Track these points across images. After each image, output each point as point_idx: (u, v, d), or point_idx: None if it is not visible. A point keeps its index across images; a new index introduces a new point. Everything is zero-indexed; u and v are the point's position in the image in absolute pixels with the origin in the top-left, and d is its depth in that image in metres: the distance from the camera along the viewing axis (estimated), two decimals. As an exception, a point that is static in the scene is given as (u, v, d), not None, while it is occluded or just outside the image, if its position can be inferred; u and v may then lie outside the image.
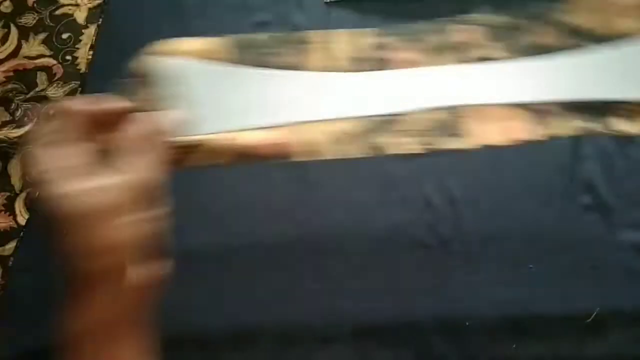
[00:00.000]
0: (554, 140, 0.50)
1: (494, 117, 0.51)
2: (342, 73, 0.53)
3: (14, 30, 0.82)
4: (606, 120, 0.51)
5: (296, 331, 0.63)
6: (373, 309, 0.64)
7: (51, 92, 0.77)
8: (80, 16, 0.82)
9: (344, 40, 0.53)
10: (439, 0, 0.83)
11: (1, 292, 0.66)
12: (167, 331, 0.64)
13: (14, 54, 0.80)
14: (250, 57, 0.52)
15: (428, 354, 0.62)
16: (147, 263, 0.41)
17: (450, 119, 0.52)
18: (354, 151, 0.50)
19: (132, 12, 0.85)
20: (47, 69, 0.78)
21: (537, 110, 0.51)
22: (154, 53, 0.53)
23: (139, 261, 0.40)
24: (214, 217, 0.69)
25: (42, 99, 0.76)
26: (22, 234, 0.69)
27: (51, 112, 0.40)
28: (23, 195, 0.70)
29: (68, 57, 0.79)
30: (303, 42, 0.53)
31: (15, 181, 0.71)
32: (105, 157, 0.40)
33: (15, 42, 0.81)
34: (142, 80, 0.51)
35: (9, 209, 0.70)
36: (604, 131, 0.50)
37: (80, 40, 0.81)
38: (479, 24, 0.57)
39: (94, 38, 0.82)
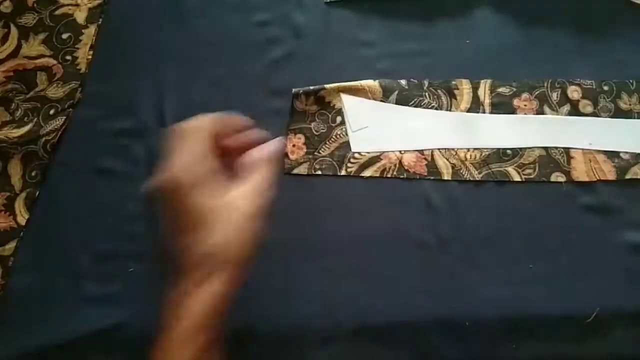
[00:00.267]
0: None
1: (588, 160, 0.70)
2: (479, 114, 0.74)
3: (14, 30, 0.81)
4: None
5: (296, 331, 0.63)
6: (373, 309, 0.64)
7: (51, 92, 0.77)
8: (80, 16, 0.82)
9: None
10: (439, 1, 0.83)
11: (1, 292, 0.66)
12: (167, 331, 0.65)
13: (14, 54, 0.80)
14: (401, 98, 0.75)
15: (428, 354, 0.62)
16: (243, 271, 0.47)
17: (558, 158, 0.71)
18: (473, 175, 0.70)
19: (132, 12, 0.85)
20: (47, 69, 0.78)
21: (620, 157, 0.70)
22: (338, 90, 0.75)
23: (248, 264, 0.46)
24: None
25: (42, 99, 0.76)
26: (22, 234, 0.69)
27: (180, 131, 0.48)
28: (23, 195, 0.70)
29: (68, 57, 0.79)
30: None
31: (15, 181, 0.71)
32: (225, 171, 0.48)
33: (15, 42, 0.81)
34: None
35: (9, 209, 0.70)
36: None
37: (80, 40, 0.80)
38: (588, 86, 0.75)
39: (94, 38, 0.82)
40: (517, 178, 0.70)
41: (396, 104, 0.75)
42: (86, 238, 0.69)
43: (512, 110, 0.74)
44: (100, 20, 0.84)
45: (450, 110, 0.74)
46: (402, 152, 0.72)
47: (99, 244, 0.68)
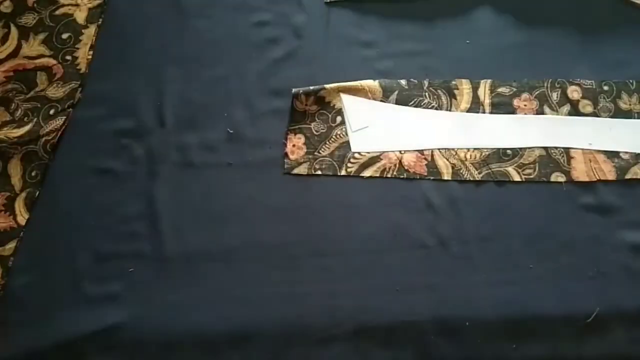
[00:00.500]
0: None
1: (588, 160, 0.70)
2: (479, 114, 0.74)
3: (14, 30, 0.81)
4: None
5: (296, 331, 0.63)
6: (373, 309, 0.64)
7: (51, 92, 0.77)
8: (80, 16, 0.82)
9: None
10: (439, 1, 0.83)
11: (1, 292, 0.66)
12: (167, 331, 0.65)
13: (14, 54, 0.80)
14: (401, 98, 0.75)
15: (428, 354, 0.62)
16: None
17: (558, 158, 0.71)
18: (473, 175, 0.70)
19: (132, 12, 0.85)
20: (47, 69, 0.78)
21: (620, 157, 0.70)
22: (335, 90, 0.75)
23: None
24: (214, 218, 0.69)
25: (42, 99, 0.76)
26: (22, 234, 0.69)
27: None
28: (23, 195, 0.70)
29: (68, 57, 0.79)
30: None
31: (15, 181, 0.71)
32: None
33: (15, 42, 0.81)
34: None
35: (9, 209, 0.70)
36: None
37: (80, 40, 0.80)
38: (587, 86, 0.75)
39: (94, 38, 0.82)
40: (517, 178, 0.70)
41: (396, 104, 0.75)
42: (86, 238, 0.69)
43: (512, 110, 0.74)
44: (100, 20, 0.84)
45: (450, 110, 0.74)
46: (402, 152, 0.72)
47: (99, 244, 0.68)
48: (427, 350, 0.62)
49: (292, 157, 0.72)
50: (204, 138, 0.74)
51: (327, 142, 0.73)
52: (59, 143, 0.74)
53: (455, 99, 0.75)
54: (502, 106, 0.74)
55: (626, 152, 0.71)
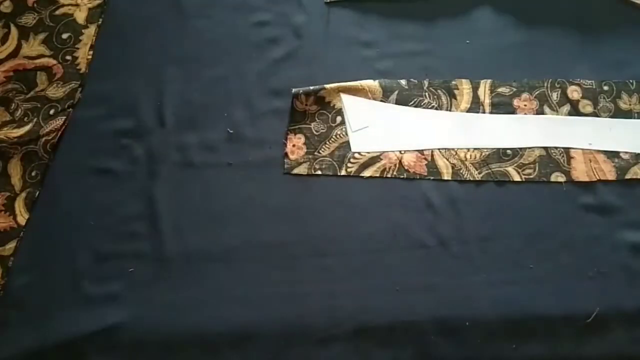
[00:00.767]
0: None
1: (588, 160, 0.70)
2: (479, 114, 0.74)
3: (14, 30, 0.81)
4: None
5: (296, 331, 0.63)
6: (373, 309, 0.64)
7: (51, 92, 0.77)
8: (80, 16, 0.82)
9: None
10: (439, 1, 0.83)
11: (1, 292, 0.66)
12: (167, 331, 0.65)
13: (14, 54, 0.80)
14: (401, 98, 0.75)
15: (428, 354, 0.62)
16: None
17: (558, 158, 0.71)
18: (473, 175, 0.70)
19: (132, 12, 0.85)
20: (47, 69, 0.78)
21: (620, 157, 0.70)
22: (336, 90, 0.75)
23: None
24: (214, 218, 0.69)
25: (42, 99, 0.76)
26: (22, 234, 0.69)
27: None
28: (23, 195, 0.70)
29: (68, 57, 0.79)
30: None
31: (15, 181, 0.71)
32: None
33: (15, 42, 0.81)
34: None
35: (9, 209, 0.70)
36: None
37: (80, 40, 0.80)
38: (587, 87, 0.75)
39: (94, 38, 0.82)
40: (517, 178, 0.70)
41: (396, 104, 0.75)
42: (86, 238, 0.69)
43: (512, 110, 0.74)
44: (100, 20, 0.84)
45: (450, 110, 0.74)
46: (402, 152, 0.72)
47: (99, 244, 0.68)
48: (427, 350, 0.62)
49: (292, 157, 0.72)
50: (204, 138, 0.74)
51: (327, 142, 0.73)
52: (59, 143, 0.74)
53: (455, 99, 0.75)
54: (502, 106, 0.74)
55: (626, 152, 0.71)
